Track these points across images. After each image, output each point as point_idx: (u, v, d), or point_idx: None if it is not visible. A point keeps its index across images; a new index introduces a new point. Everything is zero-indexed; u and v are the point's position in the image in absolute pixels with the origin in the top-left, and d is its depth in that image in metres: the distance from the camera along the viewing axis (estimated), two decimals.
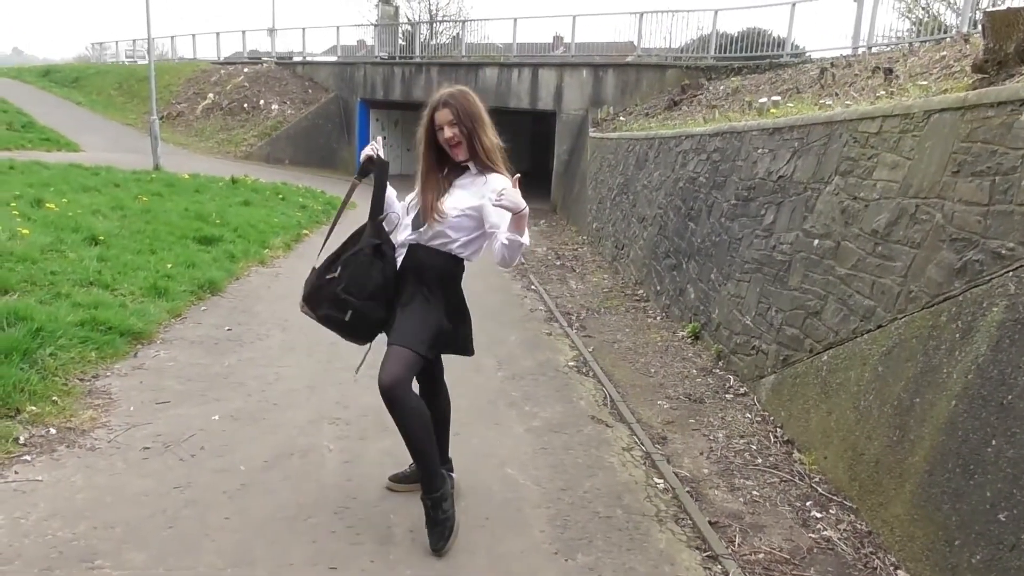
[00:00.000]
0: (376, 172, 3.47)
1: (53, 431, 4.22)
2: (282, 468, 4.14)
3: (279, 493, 3.86)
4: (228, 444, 4.36)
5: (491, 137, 3.42)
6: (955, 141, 4.14)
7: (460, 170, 3.48)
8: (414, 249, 3.48)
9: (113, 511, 3.51)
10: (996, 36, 4.84)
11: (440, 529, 3.46)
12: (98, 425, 4.40)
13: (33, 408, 4.33)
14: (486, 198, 3.29)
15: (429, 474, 3.44)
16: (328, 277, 3.42)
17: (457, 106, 3.35)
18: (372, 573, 3.27)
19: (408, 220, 3.51)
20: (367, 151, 3.45)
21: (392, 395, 3.27)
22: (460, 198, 3.41)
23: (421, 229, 3.43)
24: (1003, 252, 3.57)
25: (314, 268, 3.51)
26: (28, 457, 3.92)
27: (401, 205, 3.60)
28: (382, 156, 3.44)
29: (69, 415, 4.43)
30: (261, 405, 4.99)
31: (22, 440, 4.05)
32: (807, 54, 15.78)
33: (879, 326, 4.44)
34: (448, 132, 3.36)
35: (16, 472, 3.76)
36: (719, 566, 3.58)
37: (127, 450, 4.14)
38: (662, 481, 4.44)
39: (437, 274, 3.48)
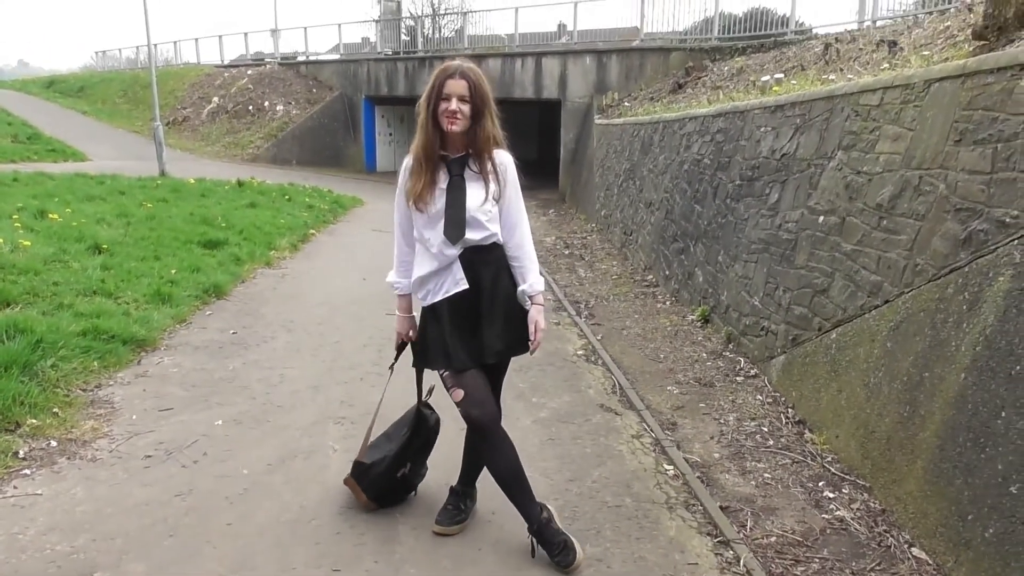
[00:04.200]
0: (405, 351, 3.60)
1: (54, 443, 4.18)
2: (285, 471, 4.09)
3: (282, 496, 3.81)
4: (231, 449, 4.32)
5: (494, 127, 3.18)
6: (956, 110, 4.04)
7: (460, 161, 3.18)
8: (469, 258, 3.22)
9: (113, 522, 3.47)
10: (996, 1, 4.72)
11: (562, 547, 3.32)
12: (100, 435, 4.36)
13: (33, 421, 4.30)
14: (503, 185, 3.22)
15: (523, 505, 3.37)
16: (400, 474, 3.69)
17: (475, 81, 3.07)
18: (376, 573, 3.22)
19: (435, 235, 3.19)
20: (402, 335, 3.52)
21: (497, 426, 3.32)
22: (479, 189, 3.17)
23: (472, 238, 3.17)
24: (1007, 220, 3.48)
25: (361, 462, 3.65)
26: (28, 471, 3.88)
27: (412, 216, 3.29)
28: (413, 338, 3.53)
29: (70, 426, 4.39)
30: (265, 408, 4.95)
31: (22, 454, 4.01)
32: (812, 31, 15.59)
33: (886, 301, 4.35)
34: (455, 105, 3.03)
35: (15, 487, 3.72)
36: (731, 551, 3.52)
37: (128, 459, 4.10)
38: (672, 467, 4.37)
39: (503, 265, 3.31)
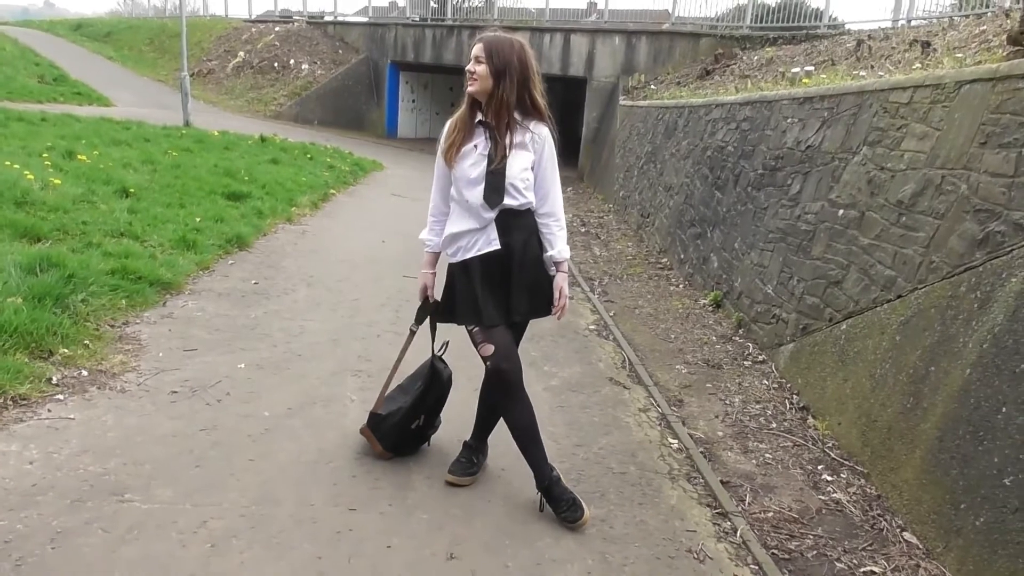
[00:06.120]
0: (430, 314, 3.70)
1: (85, 373, 4.35)
2: (305, 415, 4.25)
3: (302, 439, 3.97)
4: (253, 391, 4.47)
5: (525, 95, 3.28)
6: (984, 112, 4.11)
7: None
8: (504, 220, 3.36)
9: (142, 449, 3.63)
10: None
11: (570, 504, 3.47)
12: (128, 369, 4.52)
13: (65, 351, 4.46)
14: (540, 155, 3.40)
15: (536, 461, 3.52)
16: (414, 426, 3.84)
17: (491, 44, 3.22)
18: (390, 515, 3.37)
19: (475, 197, 3.32)
20: (424, 290, 3.63)
21: (521, 380, 3.44)
22: (522, 158, 3.33)
23: (509, 203, 3.32)
24: None
25: (377, 413, 3.81)
26: (61, 396, 4.04)
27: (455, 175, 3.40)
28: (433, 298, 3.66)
29: (100, 359, 4.56)
30: (286, 356, 5.10)
31: (55, 380, 4.17)
32: (845, 26, 15.54)
33: (899, 296, 4.45)
34: (472, 66, 3.23)
35: (49, 410, 3.89)
36: (728, 523, 3.66)
37: (156, 393, 4.26)
38: (676, 441, 4.51)
39: (535, 231, 3.46)
